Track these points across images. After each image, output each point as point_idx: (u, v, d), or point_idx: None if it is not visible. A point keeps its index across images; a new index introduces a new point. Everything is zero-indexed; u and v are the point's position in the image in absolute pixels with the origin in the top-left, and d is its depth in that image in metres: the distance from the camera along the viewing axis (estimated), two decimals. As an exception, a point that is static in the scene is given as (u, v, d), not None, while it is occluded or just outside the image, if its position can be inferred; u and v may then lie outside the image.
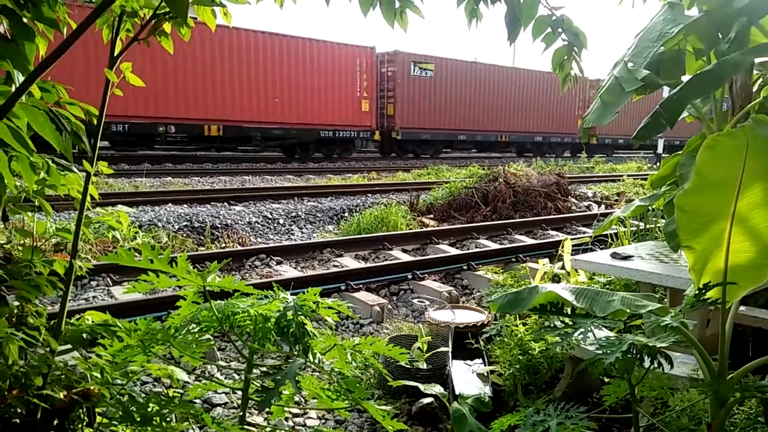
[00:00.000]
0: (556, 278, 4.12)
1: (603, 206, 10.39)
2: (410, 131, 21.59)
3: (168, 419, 1.54)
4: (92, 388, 1.49)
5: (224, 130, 16.80)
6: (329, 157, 20.14)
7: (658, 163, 17.13)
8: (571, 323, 1.60)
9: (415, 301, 4.87)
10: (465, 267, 5.77)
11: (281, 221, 8.24)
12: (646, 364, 1.51)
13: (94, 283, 4.94)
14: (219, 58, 16.28)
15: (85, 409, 1.49)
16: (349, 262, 5.98)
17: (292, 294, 1.70)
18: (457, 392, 2.81)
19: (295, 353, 1.58)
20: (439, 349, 3.17)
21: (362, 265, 5.82)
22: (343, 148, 20.79)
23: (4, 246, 4.17)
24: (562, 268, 4.12)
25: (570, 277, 3.99)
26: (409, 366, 2.98)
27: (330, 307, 1.69)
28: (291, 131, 18.32)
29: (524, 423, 1.55)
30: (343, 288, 4.90)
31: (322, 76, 18.68)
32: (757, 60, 2.28)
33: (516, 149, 26.84)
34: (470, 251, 6.33)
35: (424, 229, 7.52)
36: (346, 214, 8.83)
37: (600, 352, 1.47)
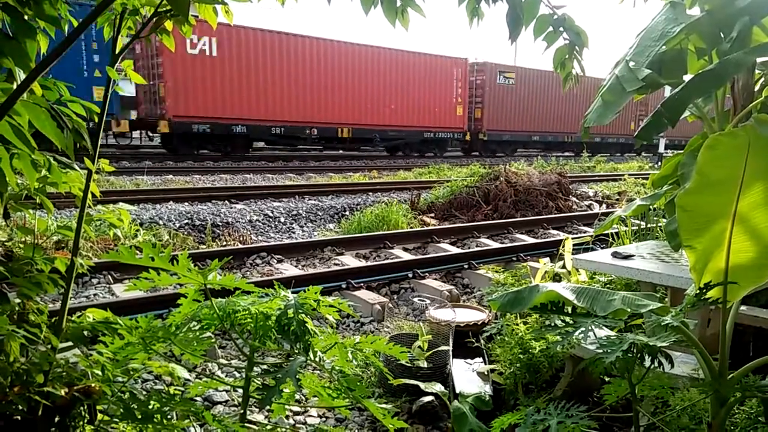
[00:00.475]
0: (556, 277, 4.12)
1: (604, 205, 10.39)
2: (494, 133, 24.64)
3: (169, 417, 1.54)
4: (93, 385, 1.49)
5: (353, 132, 20.08)
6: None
7: (659, 163, 17.13)
8: (571, 322, 1.60)
9: (415, 299, 4.87)
10: (466, 266, 5.77)
11: (282, 219, 8.25)
12: (647, 363, 1.51)
13: (95, 281, 4.94)
14: (350, 70, 19.57)
15: (86, 407, 1.50)
16: (349, 260, 5.98)
17: (292, 292, 1.70)
18: (457, 391, 2.82)
19: (296, 351, 1.58)
20: (439, 348, 3.17)
21: (363, 263, 5.82)
22: (439, 148, 23.86)
23: (6, 243, 4.18)
24: (563, 267, 4.11)
25: (571, 276, 3.99)
26: (409, 364, 2.98)
27: (331, 306, 1.69)
28: (402, 133, 21.71)
29: (524, 422, 1.55)
30: (343, 286, 4.91)
31: (426, 85, 21.82)
32: (759, 59, 2.28)
33: (576, 149, 29.13)
34: (471, 250, 6.33)
35: (425, 228, 7.52)
36: (347, 213, 8.83)
37: (600, 351, 1.47)
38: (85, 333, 1.59)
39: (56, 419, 1.47)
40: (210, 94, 16.32)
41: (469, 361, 3.32)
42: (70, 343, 1.57)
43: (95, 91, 14.14)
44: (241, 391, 1.67)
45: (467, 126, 23.74)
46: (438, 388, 2.75)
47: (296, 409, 2.94)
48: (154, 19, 1.65)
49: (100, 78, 14.10)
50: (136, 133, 19.93)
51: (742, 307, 2.91)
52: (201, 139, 17.22)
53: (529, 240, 7.28)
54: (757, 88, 2.45)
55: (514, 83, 24.69)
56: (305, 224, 8.28)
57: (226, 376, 3.27)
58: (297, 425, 2.84)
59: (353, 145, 21.64)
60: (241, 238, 6.95)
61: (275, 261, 5.88)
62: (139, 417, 1.48)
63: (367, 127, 20.38)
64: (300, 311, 1.57)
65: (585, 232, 7.95)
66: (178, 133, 16.37)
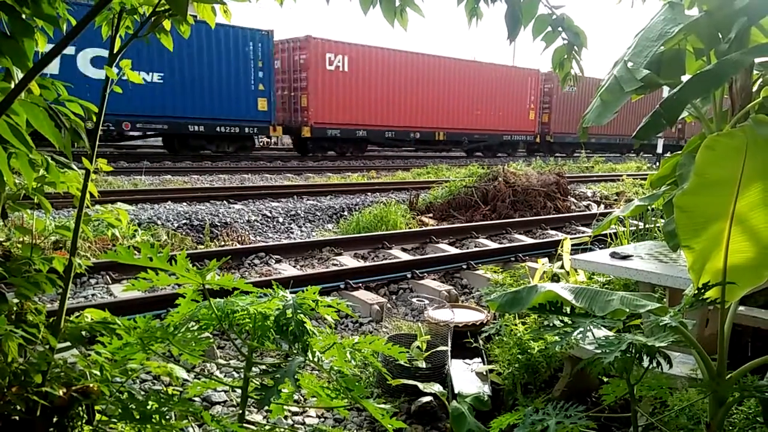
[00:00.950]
0: (555, 278, 4.12)
1: (602, 206, 10.40)
2: (559, 135, 27.67)
3: (167, 417, 1.54)
4: (91, 385, 1.49)
5: (447, 136, 23.29)
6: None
7: (657, 163, 17.16)
8: (570, 322, 1.60)
9: (414, 300, 4.87)
10: (464, 266, 5.77)
11: (280, 220, 8.24)
12: (645, 363, 1.51)
13: (93, 281, 4.93)
14: (445, 81, 22.70)
15: (84, 407, 1.49)
16: (348, 260, 5.98)
17: (291, 292, 1.70)
18: (456, 391, 2.82)
19: (295, 351, 1.58)
20: (438, 348, 3.17)
21: (361, 263, 5.82)
22: (512, 149, 26.97)
23: (4, 243, 4.16)
24: (562, 267, 4.12)
25: (569, 277, 4.00)
26: (408, 365, 2.98)
27: (329, 306, 1.69)
28: (485, 136, 24.92)
29: (523, 422, 1.55)
30: (342, 287, 4.90)
31: (506, 93, 24.97)
32: (756, 60, 2.28)
33: (627, 149, 31.71)
34: (469, 250, 6.33)
35: (424, 228, 7.52)
36: (346, 213, 8.83)
37: (599, 351, 1.47)
38: (84, 333, 1.59)
39: (54, 419, 1.46)
40: (341, 104, 19.73)
41: (467, 361, 3.32)
42: (68, 344, 1.57)
43: (259, 102, 17.47)
44: (239, 391, 1.67)
45: (537, 129, 27.08)
46: (437, 388, 2.75)
47: (295, 409, 2.94)
48: (153, 19, 1.64)
49: (262, 90, 17.53)
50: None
51: (741, 308, 2.92)
52: (331, 141, 20.49)
53: (528, 240, 7.28)
54: (755, 88, 2.46)
55: (575, 91, 26.89)
56: (304, 224, 8.28)
57: (225, 376, 3.27)
58: (295, 425, 2.83)
59: (446, 147, 25.10)
60: (240, 239, 6.94)
61: (273, 261, 5.87)
62: (138, 417, 1.48)
63: (458, 131, 23.71)
64: (298, 311, 1.57)
65: (583, 232, 7.96)
66: (315, 137, 19.63)
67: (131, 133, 16.42)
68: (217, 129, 16.96)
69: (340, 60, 19.42)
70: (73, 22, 1.40)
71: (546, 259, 4.42)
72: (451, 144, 24.54)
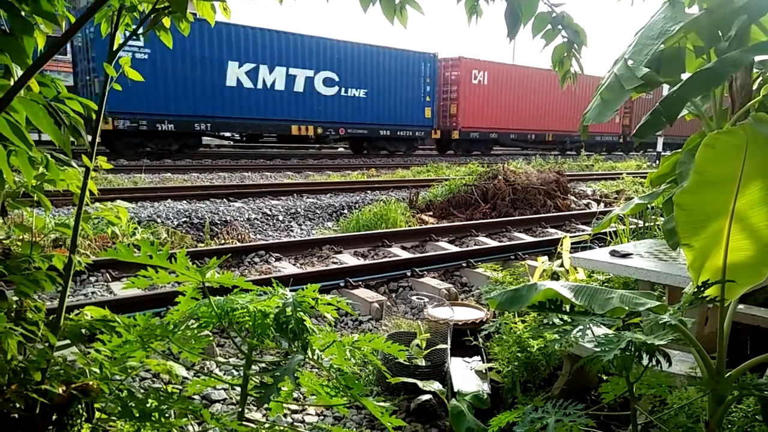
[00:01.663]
0: (555, 276, 4.13)
1: (602, 204, 10.39)
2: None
3: (167, 415, 1.54)
4: (91, 383, 1.49)
5: (554, 137, 28.21)
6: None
7: (657, 161, 17.15)
8: (569, 321, 1.60)
9: (414, 298, 4.87)
10: (464, 264, 5.77)
11: (280, 218, 8.24)
12: (645, 361, 1.51)
13: (93, 279, 4.94)
14: (552, 90, 26.83)
15: (83, 405, 1.49)
16: (348, 258, 5.98)
17: (291, 290, 1.70)
18: (455, 389, 2.82)
19: (294, 349, 1.58)
20: (437, 346, 3.17)
21: (361, 261, 5.82)
22: (600, 148, 30.55)
23: (3, 241, 4.16)
24: (561, 265, 4.12)
25: (569, 275, 4.00)
26: (407, 363, 2.98)
27: (329, 304, 1.69)
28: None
29: (522, 420, 1.55)
30: (342, 285, 4.90)
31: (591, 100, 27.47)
32: (757, 58, 2.27)
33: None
34: (469, 248, 6.33)
35: (424, 227, 7.52)
36: (346, 211, 8.83)
37: (598, 349, 1.47)
38: (83, 331, 1.59)
39: (54, 417, 1.46)
40: (479, 111, 24.38)
41: (467, 359, 3.32)
42: (67, 341, 1.57)
43: (426, 111, 22.51)
44: (239, 389, 1.67)
45: (620, 131, 31.27)
46: (436, 386, 2.75)
47: (294, 407, 2.94)
48: (152, 16, 1.64)
49: (428, 101, 22.50)
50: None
51: (740, 306, 2.92)
52: (470, 143, 25.18)
53: (528, 238, 7.28)
54: (755, 86, 2.45)
55: (652, 97, 30.55)
56: (304, 222, 8.28)
57: (225, 374, 3.27)
58: (295, 423, 2.84)
59: (554, 146, 29.10)
60: (240, 237, 6.94)
61: (273, 259, 5.87)
62: (137, 415, 1.48)
63: (562, 133, 28.21)
64: (298, 309, 1.56)
65: (583, 230, 7.95)
66: (460, 139, 24.34)
67: (334, 137, 20.45)
68: (398, 133, 21.96)
69: (482, 75, 24.31)
70: (72, 20, 1.40)
71: (546, 258, 4.42)
72: (557, 144, 28.79)
